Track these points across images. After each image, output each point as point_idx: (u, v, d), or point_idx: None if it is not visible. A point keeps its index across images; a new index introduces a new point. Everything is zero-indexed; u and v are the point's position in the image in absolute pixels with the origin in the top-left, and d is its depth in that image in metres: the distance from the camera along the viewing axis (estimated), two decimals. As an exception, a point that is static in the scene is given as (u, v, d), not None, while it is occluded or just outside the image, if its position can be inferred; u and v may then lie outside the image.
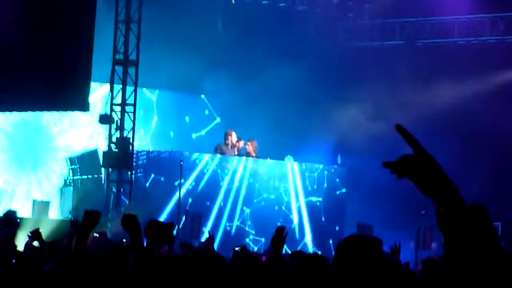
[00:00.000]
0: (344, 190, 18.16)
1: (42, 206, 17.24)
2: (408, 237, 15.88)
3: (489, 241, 1.97)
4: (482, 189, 17.55)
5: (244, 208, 17.28)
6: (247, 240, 16.76)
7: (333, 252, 3.51)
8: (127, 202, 16.81)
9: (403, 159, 2.15)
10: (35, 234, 9.41)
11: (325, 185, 18.11)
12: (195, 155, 17.26)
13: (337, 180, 18.26)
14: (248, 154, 17.84)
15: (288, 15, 19.68)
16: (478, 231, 1.99)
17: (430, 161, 2.12)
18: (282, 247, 6.64)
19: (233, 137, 17.96)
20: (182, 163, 16.29)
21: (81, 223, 6.16)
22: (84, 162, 18.20)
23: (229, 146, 17.80)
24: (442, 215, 2.03)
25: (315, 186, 18.03)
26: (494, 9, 19.16)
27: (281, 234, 6.56)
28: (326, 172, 18.19)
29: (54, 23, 15.76)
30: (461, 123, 18.77)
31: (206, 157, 17.09)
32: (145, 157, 17.68)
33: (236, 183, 17.45)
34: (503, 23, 19.31)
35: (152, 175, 17.27)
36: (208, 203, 16.93)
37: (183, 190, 16.56)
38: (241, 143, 18.23)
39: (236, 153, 17.83)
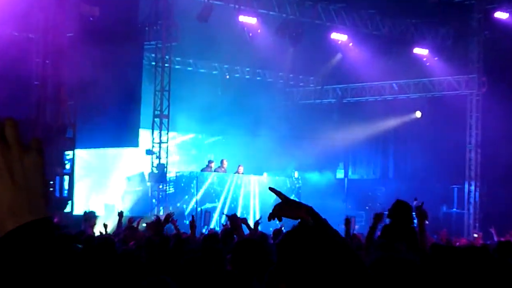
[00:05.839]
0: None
1: (110, 207, 20.02)
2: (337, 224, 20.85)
3: (321, 230, 2.44)
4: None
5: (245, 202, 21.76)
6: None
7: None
8: (164, 204, 20.30)
9: (277, 206, 2.74)
10: (106, 226, 11.75)
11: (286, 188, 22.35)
12: (204, 174, 21.72)
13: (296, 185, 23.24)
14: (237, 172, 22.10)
15: (263, 84, 25.84)
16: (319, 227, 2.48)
17: (292, 200, 2.79)
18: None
19: (225, 163, 22.31)
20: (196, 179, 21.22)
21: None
22: (136, 179, 21.57)
23: (223, 169, 22.25)
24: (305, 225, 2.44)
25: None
26: (391, 78, 24.25)
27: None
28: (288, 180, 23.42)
29: (117, 90, 18.05)
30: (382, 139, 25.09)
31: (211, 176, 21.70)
32: (174, 175, 21.64)
33: (231, 192, 21.44)
34: (397, 87, 24.74)
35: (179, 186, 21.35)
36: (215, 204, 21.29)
37: (199, 196, 21.02)
38: (241, 168, 22.49)
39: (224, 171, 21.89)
